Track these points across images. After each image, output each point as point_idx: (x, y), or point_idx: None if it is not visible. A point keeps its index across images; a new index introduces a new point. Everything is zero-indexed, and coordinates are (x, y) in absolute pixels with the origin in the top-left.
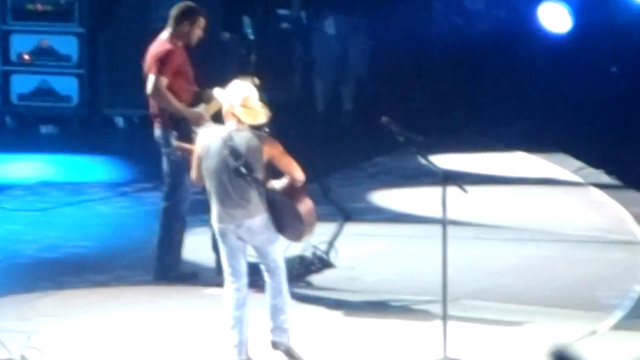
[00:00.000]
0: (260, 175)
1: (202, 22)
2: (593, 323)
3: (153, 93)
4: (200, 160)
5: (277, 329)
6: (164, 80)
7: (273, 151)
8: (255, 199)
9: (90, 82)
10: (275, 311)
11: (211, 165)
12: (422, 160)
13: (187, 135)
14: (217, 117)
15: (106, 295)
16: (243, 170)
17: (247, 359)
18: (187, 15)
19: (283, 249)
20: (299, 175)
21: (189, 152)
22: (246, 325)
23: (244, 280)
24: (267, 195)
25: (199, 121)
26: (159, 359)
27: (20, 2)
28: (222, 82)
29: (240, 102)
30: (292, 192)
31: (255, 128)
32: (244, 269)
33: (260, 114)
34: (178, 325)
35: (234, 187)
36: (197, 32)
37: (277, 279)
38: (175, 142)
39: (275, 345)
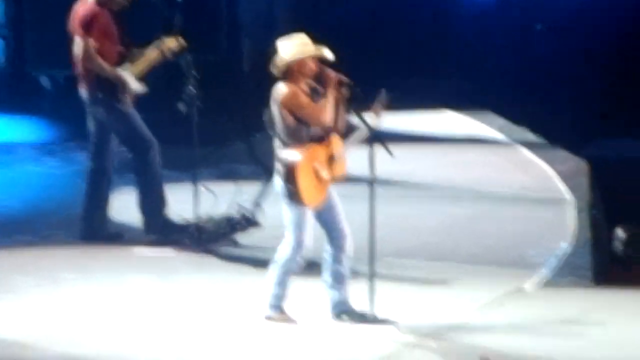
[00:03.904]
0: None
1: None
2: (520, 280)
3: (82, 56)
4: None
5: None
6: (92, 42)
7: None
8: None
9: (15, 42)
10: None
11: None
12: (356, 117)
13: (112, 96)
14: (143, 77)
15: (33, 255)
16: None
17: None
18: None
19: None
20: None
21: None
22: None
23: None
24: None
25: (124, 85)
26: (83, 318)
27: None
28: (147, 41)
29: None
30: None
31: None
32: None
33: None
34: (103, 284)
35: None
36: None
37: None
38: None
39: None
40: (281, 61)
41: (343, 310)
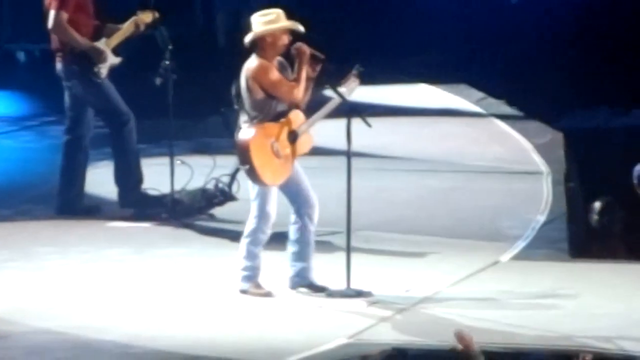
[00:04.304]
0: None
1: None
2: (495, 253)
3: (54, 28)
4: None
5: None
6: (65, 15)
7: None
8: None
9: None
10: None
11: None
12: (332, 91)
13: (88, 70)
14: (117, 51)
15: (9, 229)
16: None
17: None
18: None
19: (255, 190)
20: None
21: None
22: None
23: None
24: None
25: (100, 55)
26: (60, 292)
27: None
28: (122, 16)
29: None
30: None
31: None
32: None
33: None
34: (80, 258)
35: None
36: None
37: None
38: None
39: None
40: (254, 34)
41: (302, 283)
